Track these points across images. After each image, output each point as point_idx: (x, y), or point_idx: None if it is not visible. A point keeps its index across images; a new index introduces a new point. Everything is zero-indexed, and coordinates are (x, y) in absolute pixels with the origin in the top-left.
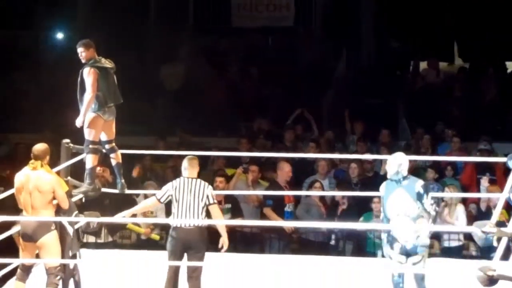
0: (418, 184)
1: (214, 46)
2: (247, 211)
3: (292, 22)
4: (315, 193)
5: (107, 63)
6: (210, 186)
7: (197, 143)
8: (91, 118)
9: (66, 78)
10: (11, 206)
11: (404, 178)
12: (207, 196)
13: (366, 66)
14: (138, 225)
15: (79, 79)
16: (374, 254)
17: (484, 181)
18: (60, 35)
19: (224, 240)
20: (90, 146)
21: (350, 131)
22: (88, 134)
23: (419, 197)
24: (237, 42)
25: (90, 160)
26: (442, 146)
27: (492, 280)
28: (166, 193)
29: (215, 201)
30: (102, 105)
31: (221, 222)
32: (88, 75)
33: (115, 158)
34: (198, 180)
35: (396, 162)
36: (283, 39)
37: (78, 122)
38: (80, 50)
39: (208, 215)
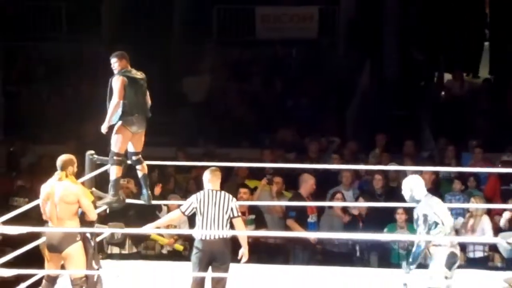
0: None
1: (238, 58)
2: (271, 222)
3: (316, 34)
4: (337, 204)
5: (138, 74)
6: (234, 199)
7: (220, 155)
8: (118, 130)
9: (90, 90)
10: (36, 217)
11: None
12: (232, 209)
13: (390, 77)
14: (161, 235)
15: (108, 88)
16: (398, 265)
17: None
18: (84, 48)
19: (244, 252)
20: (115, 157)
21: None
22: (114, 145)
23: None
24: (261, 54)
25: (114, 172)
26: (466, 157)
27: None
28: (191, 206)
29: (239, 214)
30: (127, 113)
31: (245, 233)
32: (116, 82)
33: (141, 170)
34: (223, 192)
35: (408, 187)
36: (307, 51)
37: (102, 128)
38: (113, 60)
39: (232, 227)
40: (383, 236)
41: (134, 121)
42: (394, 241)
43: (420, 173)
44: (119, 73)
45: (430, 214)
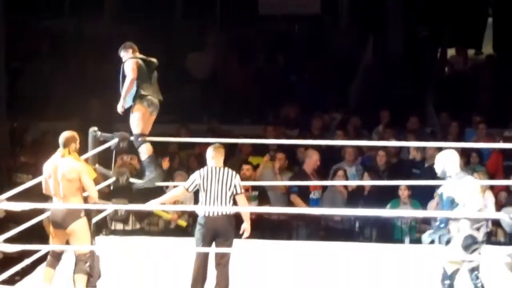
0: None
1: (241, 34)
2: (274, 198)
3: (319, 10)
4: (339, 183)
5: (150, 58)
6: (237, 176)
7: (223, 131)
8: (136, 109)
9: (95, 67)
10: (39, 193)
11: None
12: (235, 186)
13: (393, 53)
14: (165, 211)
15: (120, 74)
16: (401, 241)
17: None
18: (87, 24)
19: (246, 227)
20: (140, 139)
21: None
22: (136, 127)
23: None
24: (264, 30)
25: (144, 151)
26: (469, 133)
27: None
28: (194, 182)
29: (242, 191)
30: (142, 93)
31: (248, 209)
32: (128, 63)
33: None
34: (226, 169)
35: (441, 161)
36: (310, 27)
37: (118, 108)
38: (122, 53)
39: (235, 204)
40: (387, 213)
41: (150, 102)
42: (397, 217)
43: (423, 148)
44: (131, 57)
45: (456, 194)
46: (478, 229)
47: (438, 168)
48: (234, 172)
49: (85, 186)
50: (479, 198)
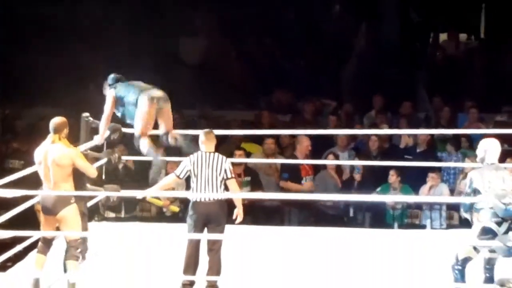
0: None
1: (232, 18)
2: (266, 183)
3: None
4: (330, 162)
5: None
6: (228, 160)
7: (215, 116)
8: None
9: (86, 53)
10: (32, 180)
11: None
12: (225, 170)
13: (386, 38)
14: (156, 198)
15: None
16: (391, 226)
17: None
18: (79, 10)
19: (238, 212)
20: (141, 139)
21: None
22: (136, 127)
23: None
24: (255, 14)
25: (145, 145)
26: (462, 117)
27: None
28: (185, 169)
29: (233, 175)
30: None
31: (239, 195)
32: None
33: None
34: (216, 154)
35: (483, 148)
36: (302, 12)
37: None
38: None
39: (227, 189)
40: (379, 198)
41: (151, 96)
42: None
43: (415, 135)
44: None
45: (479, 181)
46: (499, 223)
47: (479, 153)
48: (224, 157)
49: (82, 169)
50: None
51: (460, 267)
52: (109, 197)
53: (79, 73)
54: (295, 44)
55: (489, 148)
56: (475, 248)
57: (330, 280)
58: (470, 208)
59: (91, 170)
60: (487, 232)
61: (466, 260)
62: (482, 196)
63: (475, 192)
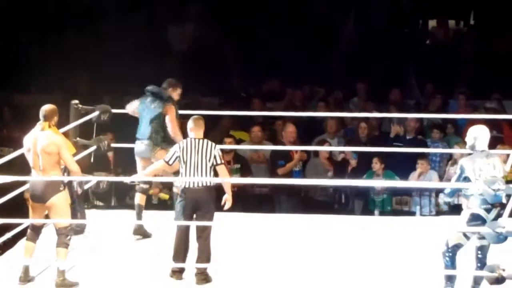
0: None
1: (220, 5)
2: (256, 171)
3: None
4: (318, 148)
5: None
6: (217, 146)
7: (204, 103)
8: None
9: (76, 40)
10: (20, 166)
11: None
12: (215, 157)
13: (374, 25)
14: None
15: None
16: (372, 212)
17: None
18: None
19: (227, 197)
20: None
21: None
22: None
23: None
24: (244, 1)
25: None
26: (453, 104)
27: (500, 279)
28: (174, 155)
29: (222, 161)
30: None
31: (228, 180)
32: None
33: None
34: (205, 140)
35: (472, 135)
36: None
37: None
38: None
39: (216, 175)
40: (365, 183)
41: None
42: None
43: (405, 119)
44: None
45: (470, 169)
46: (488, 210)
47: (468, 141)
48: (213, 144)
49: (64, 161)
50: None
51: (450, 254)
52: (99, 183)
53: (68, 60)
54: (284, 31)
55: (478, 135)
56: (465, 235)
57: (321, 266)
58: (453, 194)
59: (73, 165)
60: (476, 219)
61: (456, 246)
62: (472, 183)
63: (465, 179)
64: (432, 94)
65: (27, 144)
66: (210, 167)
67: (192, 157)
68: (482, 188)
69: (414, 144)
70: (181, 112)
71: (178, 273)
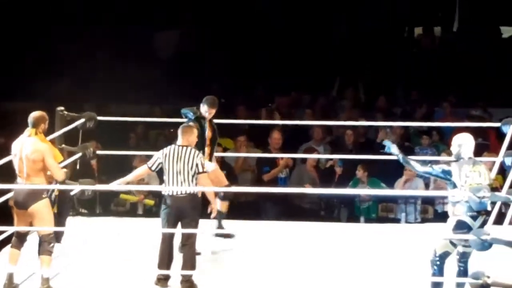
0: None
1: (209, 11)
2: (242, 178)
3: None
4: (303, 156)
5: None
6: (200, 155)
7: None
8: None
9: (62, 46)
10: (6, 173)
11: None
12: (197, 165)
13: (362, 32)
14: (132, 193)
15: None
16: (358, 219)
17: None
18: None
19: (213, 207)
20: None
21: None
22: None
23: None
24: (234, 6)
25: None
26: (438, 112)
27: (484, 286)
28: (157, 161)
29: (205, 170)
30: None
31: (210, 188)
32: None
33: None
34: (189, 148)
35: (457, 143)
36: (279, 4)
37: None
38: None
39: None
40: (350, 191)
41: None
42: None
43: (391, 128)
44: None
45: (457, 175)
46: (474, 217)
47: (453, 149)
48: (196, 152)
49: (49, 168)
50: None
51: (438, 262)
52: (84, 191)
53: (55, 66)
54: (271, 37)
55: (463, 142)
56: (452, 243)
57: (307, 274)
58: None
59: (58, 172)
60: (462, 226)
61: (444, 254)
62: (457, 190)
63: (452, 185)
64: (417, 102)
65: (14, 150)
66: (193, 176)
67: (174, 165)
68: (468, 196)
69: (402, 151)
70: (165, 120)
71: (163, 280)
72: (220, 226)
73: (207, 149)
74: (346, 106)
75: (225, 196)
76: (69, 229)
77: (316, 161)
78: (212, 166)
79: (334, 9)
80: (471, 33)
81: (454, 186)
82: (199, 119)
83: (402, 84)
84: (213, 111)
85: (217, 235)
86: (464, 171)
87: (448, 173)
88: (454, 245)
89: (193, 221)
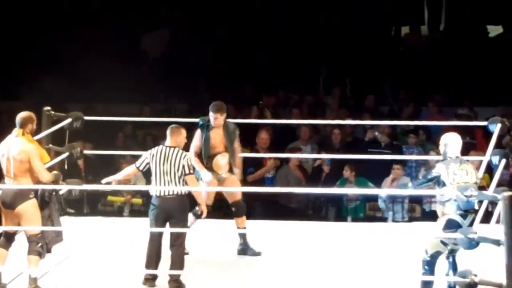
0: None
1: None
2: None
3: None
4: (294, 155)
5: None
6: (187, 156)
7: (181, 109)
8: None
9: (49, 46)
10: None
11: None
12: (183, 166)
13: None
14: (120, 194)
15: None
16: (345, 219)
17: None
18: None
19: (201, 208)
20: None
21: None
22: None
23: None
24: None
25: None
26: (425, 111)
27: (472, 285)
28: (145, 161)
29: (191, 171)
30: None
31: (196, 189)
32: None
33: None
34: (176, 149)
35: (443, 142)
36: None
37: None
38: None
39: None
40: (338, 191)
41: None
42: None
43: (377, 126)
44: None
45: (445, 174)
46: (463, 216)
47: (440, 149)
48: (184, 153)
49: (35, 169)
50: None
51: (430, 262)
52: (71, 191)
53: (42, 66)
54: (263, 34)
55: (449, 142)
56: (442, 242)
57: (295, 273)
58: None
59: (44, 174)
60: (452, 225)
61: (436, 253)
62: (445, 189)
63: (441, 184)
64: (404, 101)
65: (2, 150)
66: (180, 177)
67: (161, 166)
68: (455, 194)
69: (389, 149)
70: (154, 119)
71: (151, 280)
72: (244, 243)
73: (221, 156)
74: (333, 105)
75: (236, 211)
76: (58, 228)
77: (299, 161)
78: (208, 177)
79: (321, 8)
80: (458, 32)
81: (444, 185)
82: (203, 127)
83: (389, 83)
84: (218, 116)
85: (242, 252)
86: (452, 169)
87: (436, 177)
88: (446, 244)
89: (181, 221)
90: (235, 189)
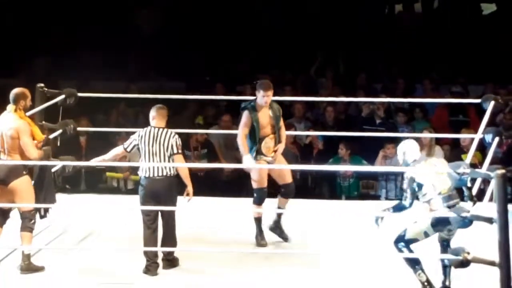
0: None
1: None
2: (225, 156)
3: None
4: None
5: None
6: (176, 136)
7: (171, 88)
8: None
9: (41, 23)
10: None
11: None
12: (172, 146)
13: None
14: (114, 171)
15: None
16: (340, 197)
17: None
18: None
19: (188, 190)
20: None
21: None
22: None
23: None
24: None
25: None
26: (420, 88)
27: (464, 263)
28: (132, 143)
29: (180, 151)
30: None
31: (185, 165)
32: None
33: None
34: (164, 129)
35: (401, 151)
36: None
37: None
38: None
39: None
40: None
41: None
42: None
43: (373, 104)
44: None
45: (418, 176)
46: (450, 207)
47: (399, 158)
48: (172, 132)
49: (23, 146)
50: (447, 179)
51: (404, 245)
52: (65, 167)
53: (33, 44)
54: (254, 15)
55: (406, 149)
56: (425, 233)
57: (289, 249)
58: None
59: (31, 150)
60: (443, 222)
61: (413, 240)
62: (427, 187)
63: (419, 186)
64: (398, 79)
65: None
66: (169, 157)
67: (149, 146)
68: (447, 171)
69: (384, 127)
70: (146, 96)
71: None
72: (278, 224)
73: (269, 139)
74: (327, 83)
75: (285, 192)
76: (52, 205)
77: (294, 137)
78: (251, 163)
79: None
80: (451, 10)
81: (421, 185)
82: (250, 108)
83: (383, 62)
84: (270, 93)
85: (273, 230)
86: (421, 167)
87: (418, 185)
88: (427, 235)
89: (170, 201)
90: (224, 165)
